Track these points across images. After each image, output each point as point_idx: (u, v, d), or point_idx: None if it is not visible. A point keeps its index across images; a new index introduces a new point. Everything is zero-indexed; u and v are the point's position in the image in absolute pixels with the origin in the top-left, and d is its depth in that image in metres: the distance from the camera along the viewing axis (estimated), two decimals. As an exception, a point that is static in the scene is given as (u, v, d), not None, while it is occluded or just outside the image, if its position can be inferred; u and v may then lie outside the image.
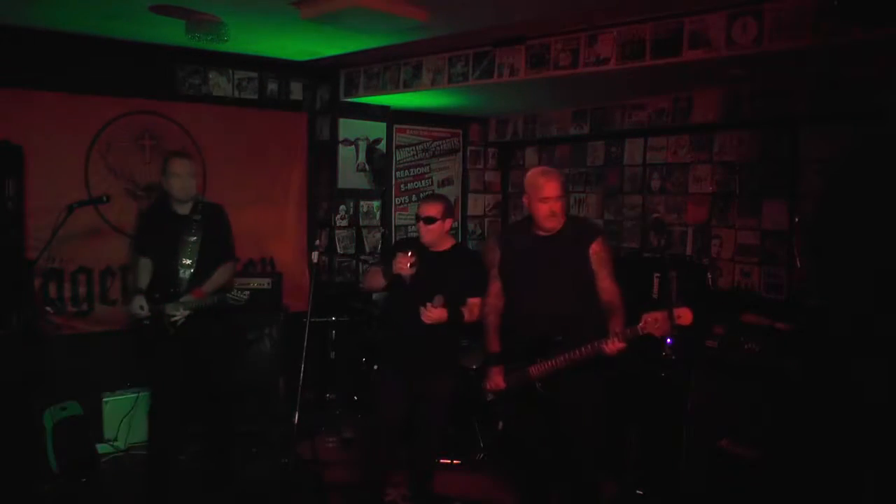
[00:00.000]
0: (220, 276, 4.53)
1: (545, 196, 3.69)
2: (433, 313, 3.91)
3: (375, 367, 5.25)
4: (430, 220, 4.09)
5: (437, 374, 4.15)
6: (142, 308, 4.38)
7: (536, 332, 3.73)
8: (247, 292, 4.48)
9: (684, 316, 3.39)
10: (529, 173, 3.85)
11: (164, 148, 5.63)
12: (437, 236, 4.15)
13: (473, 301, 4.07)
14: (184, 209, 4.52)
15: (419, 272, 3.97)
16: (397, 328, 4.19)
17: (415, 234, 4.26)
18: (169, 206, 4.54)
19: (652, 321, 3.40)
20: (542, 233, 3.80)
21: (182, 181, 4.45)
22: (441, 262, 4.11)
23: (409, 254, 3.96)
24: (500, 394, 3.91)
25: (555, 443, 3.89)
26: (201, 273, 4.45)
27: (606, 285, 3.74)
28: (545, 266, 3.77)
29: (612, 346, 3.48)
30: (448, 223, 4.16)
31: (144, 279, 4.54)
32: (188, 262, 4.44)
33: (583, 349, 3.56)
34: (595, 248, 3.75)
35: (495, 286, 3.98)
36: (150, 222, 4.72)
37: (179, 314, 4.36)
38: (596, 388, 3.79)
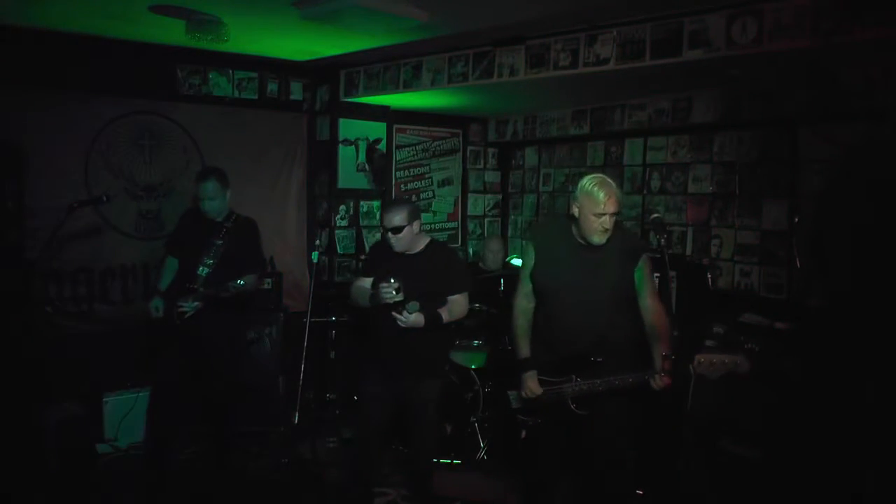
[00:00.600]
0: (245, 280, 4.49)
1: (601, 212, 3.43)
2: (409, 319, 3.80)
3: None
4: (398, 230, 3.95)
5: (421, 376, 4.03)
6: (157, 310, 4.46)
7: (575, 349, 3.56)
8: (240, 283, 4.37)
9: (742, 365, 3.23)
10: (586, 181, 3.52)
11: (163, 148, 5.65)
12: (408, 243, 4.02)
13: (454, 299, 3.99)
14: (218, 217, 4.60)
15: (397, 277, 3.84)
16: (377, 331, 4.07)
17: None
18: (204, 212, 4.60)
19: (707, 364, 3.25)
20: (585, 241, 3.56)
21: (211, 203, 4.52)
22: (417, 265, 4.00)
23: (393, 281, 3.80)
24: (528, 403, 3.70)
25: (578, 459, 3.78)
26: (220, 275, 4.46)
27: (652, 305, 3.57)
28: (588, 278, 3.54)
29: (661, 382, 3.35)
30: (416, 225, 4.02)
31: (167, 279, 4.67)
32: (209, 261, 4.49)
33: (628, 380, 3.42)
34: (643, 264, 3.58)
35: (525, 288, 3.75)
36: (183, 223, 4.81)
37: (188, 307, 4.40)
38: (629, 412, 3.64)
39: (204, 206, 4.53)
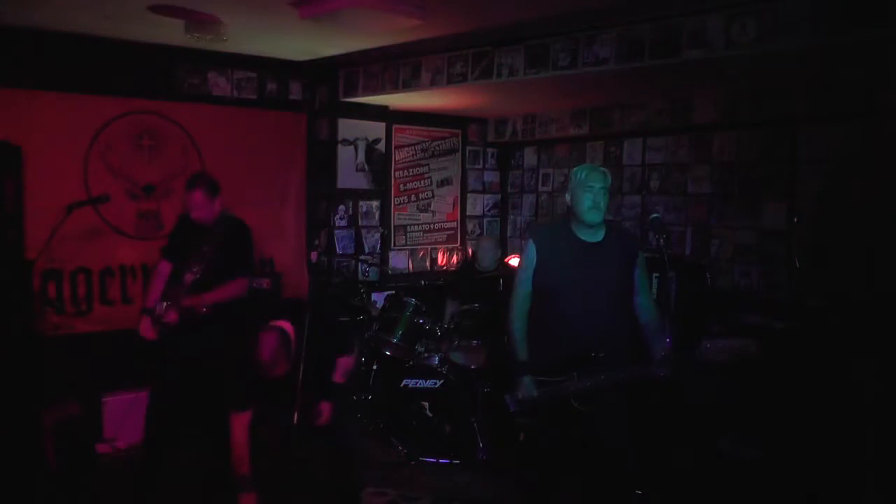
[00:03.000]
0: (226, 289, 4.51)
1: (591, 185, 3.54)
2: None
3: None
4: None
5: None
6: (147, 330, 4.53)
7: (576, 345, 3.54)
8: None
9: (750, 348, 3.25)
10: (575, 168, 3.67)
11: (163, 148, 5.64)
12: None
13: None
14: (208, 222, 4.59)
15: None
16: None
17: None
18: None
19: (714, 350, 3.26)
20: (585, 238, 3.62)
21: (197, 212, 4.52)
22: None
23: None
24: (526, 406, 3.66)
25: (584, 456, 3.77)
26: (207, 282, 4.46)
27: (647, 302, 3.65)
28: (590, 276, 3.56)
29: (665, 371, 3.37)
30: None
31: (154, 293, 4.67)
32: (196, 268, 4.48)
33: (632, 373, 3.44)
34: (640, 263, 3.65)
35: (525, 289, 3.73)
36: (177, 228, 4.81)
37: (171, 317, 4.41)
38: (628, 407, 3.67)
39: (192, 214, 4.54)
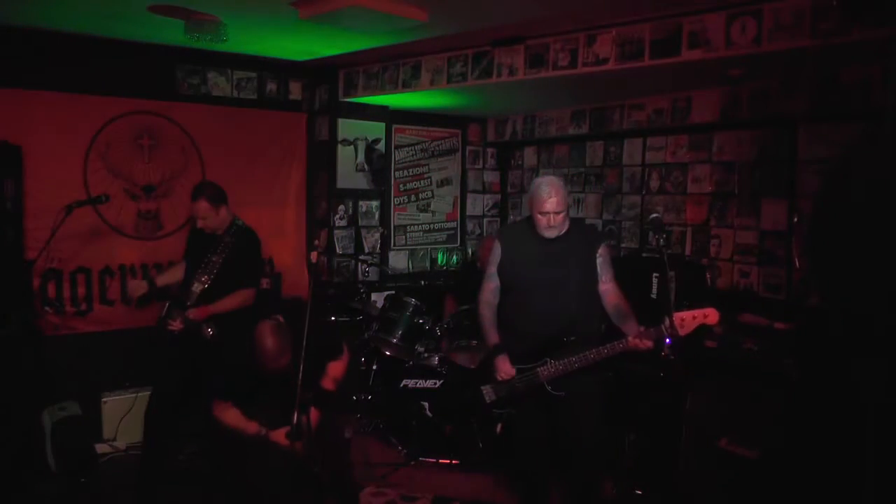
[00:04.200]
0: (232, 300, 4.51)
1: (545, 210, 3.70)
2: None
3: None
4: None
5: None
6: (136, 287, 4.69)
7: (545, 333, 3.73)
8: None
9: (711, 316, 3.43)
10: (534, 183, 3.81)
11: (163, 148, 5.64)
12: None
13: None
14: (218, 231, 4.60)
15: None
16: None
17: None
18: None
19: (677, 322, 3.42)
20: (547, 235, 3.79)
21: (203, 221, 4.54)
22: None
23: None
24: (501, 396, 3.88)
25: (557, 442, 3.89)
26: (214, 292, 4.47)
27: (612, 288, 3.81)
28: (552, 267, 3.75)
29: (643, 343, 3.52)
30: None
31: (165, 278, 4.84)
32: (204, 278, 4.49)
33: (602, 350, 3.59)
34: (602, 252, 3.81)
35: (492, 283, 3.96)
36: (190, 234, 4.84)
37: (176, 325, 4.44)
38: (598, 387, 3.85)
39: (198, 224, 4.56)
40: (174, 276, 4.81)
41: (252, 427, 3.78)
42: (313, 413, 3.71)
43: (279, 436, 3.65)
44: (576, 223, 3.89)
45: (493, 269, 3.97)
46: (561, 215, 3.71)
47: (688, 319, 3.44)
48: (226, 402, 3.87)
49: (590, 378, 3.73)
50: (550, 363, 3.69)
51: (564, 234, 3.78)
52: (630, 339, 3.55)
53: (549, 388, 3.72)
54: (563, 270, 3.73)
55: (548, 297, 3.74)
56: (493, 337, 3.92)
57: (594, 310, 3.81)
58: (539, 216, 3.73)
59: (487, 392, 3.93)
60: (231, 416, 3.84)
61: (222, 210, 4.57)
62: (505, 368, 3.79)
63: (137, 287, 4.70)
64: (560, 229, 3.75)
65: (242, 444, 3.84)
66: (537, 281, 3.78)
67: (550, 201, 3.67)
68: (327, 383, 4.02)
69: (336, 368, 4.09)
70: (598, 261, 3.79)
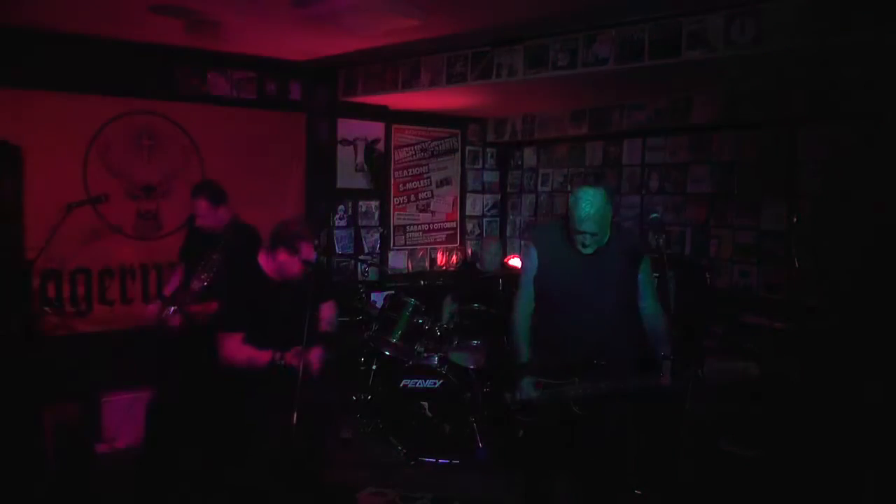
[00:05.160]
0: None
1: (580, 231, 3.43)
2: None
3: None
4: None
5: None
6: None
7: (577, 352, 3.53)
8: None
9: (752, 371, 3.25)
10: (575, 194, 3.49)
11: (162, 148, 5.64)
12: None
13: None
14: (217, 229, 4.61)
15: None
16: None
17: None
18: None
19: (717, 371, 3.24)
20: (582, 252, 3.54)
21: (202, 220, 4.58)
22: None
23: None
24: (527, 404, 3.65)
25: (573, 457, 3.77)
26: (215, 289, 4.46)
27: (653, 307, 3.58)
28: (592, 282, 3.53)
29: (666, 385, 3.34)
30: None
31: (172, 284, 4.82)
32: (204, 276, 4.51)
33: (633, 381, 3.43)
34: (644, 268, 3.59)
35: (527, 292, 3.72)
36: (189, 233, 4.86)
37: (174, 320, 4.46)
38: (626, 411, 3.67)
39: (197, 222, 4.60)
40: (177, 281, 4.82)
41: (265, 356, 3.79)
42: (315, 353, 3.79)
43: (293, 357, 3.68)
44: (619, 232, 3.61)
45: (528, 278, 3.72)
46: (598, 236, 3.46)
47: (728, 371, 3.27)
48: (235, 333, 3.86)
49: (618, 402, 3.54)
50: (577, 384, 3.51)
51: (606, 243, 3.52)
52: (662, 380, 3.37)
53: (575, 408, 3.51)
54: (601, 285, 3.52)
55: (584, 312, 3.54)
56: (523, 353, 3.68)
57: (629, 331, 3.57)
58: (576, 234, 3.45)
59: (510, 399, 3.72)
60: (242, 350, 3.85)
61: (221, 209, 4.60)
62: (526, 392, 3.59)
63: (152, 313, 4.66)
64: (595, 247, 3.48)
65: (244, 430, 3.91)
66: (572, 296, 3.57)
67: (587, 223, 3.40)
68: (324, 326, 4.10)
69: (327, 310, 4.18)
70: (641, 276, 3.57)
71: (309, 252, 3.88)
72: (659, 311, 3.57)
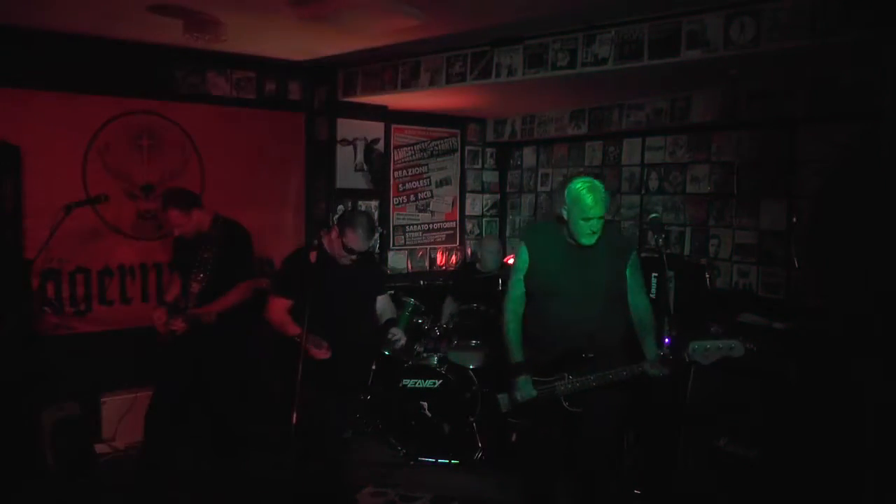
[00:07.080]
0: (231, 296, 4.52)
1: (589, 216, 3.48)
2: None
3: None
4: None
5: None
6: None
7: (566, 346, 3.59)
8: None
9: (736, 350, 3.33)
10: (574, 185, 3.56)
11: (162, 148, 5.64)
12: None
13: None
14: (201, 230, 4.58)
15: None
16: None
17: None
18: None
19: (701, 350, 3.33)
20: (576, 242, 3.60)
21: (179, 229, 4.52)
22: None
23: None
24: (519, 407, 3.69)
25: (570, 455, 3.80)
26: (212, 291, 4.48)
27: (640, 300, 3.64)
28: (582, 278, 3.58)
29: (657, 370, 3.41)
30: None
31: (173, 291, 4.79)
32: (200, 276, 4.50)
33: (622, 373, 3.47)
34: (633, 262, 3.65)
35: (518, 290, 3.77)
36: (175, 241, 4.79)
37: (178, 325, 4.45)
38: (616, 405, 3.70)
39: (174, 233, 4.57)
40: (176, 289, 4.79)
41: (294, 329, 3.94)
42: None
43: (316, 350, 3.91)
44: (608, 226, 3.66)
45: (518, 276, 3.76)
46: (602, 221, 3.53)
47: (711, 350, 3.33)
48: (280, 298, 4.10)
49: (608, 395, 3.58)
50: (568, 379, 3.57)
51: (595, 240, 3.57)
52: (648, 366, 3.44)
53: (566, 404, 3.60)
54: (590, 280, 3.57)
55: (574, 308, 3.58)
56: (517, 353, 3.71)
57: (618, 323, 3.64)
58: (581, 222, 3.49)
59: (502, 402, 3.78)
60: (281, 313, 4.07)
61: (195, 213, 4.51)
62: (526, 391, 3.63)
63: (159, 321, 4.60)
64: (596, 238, 3.55)
65: None
66: (563, 290, 3.61)
67: (598, 206, 3.47)
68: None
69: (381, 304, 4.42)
70: (629, 271, 3.62)
71: (354, 240, 3.99)
72: (647, 304, 3.64)
